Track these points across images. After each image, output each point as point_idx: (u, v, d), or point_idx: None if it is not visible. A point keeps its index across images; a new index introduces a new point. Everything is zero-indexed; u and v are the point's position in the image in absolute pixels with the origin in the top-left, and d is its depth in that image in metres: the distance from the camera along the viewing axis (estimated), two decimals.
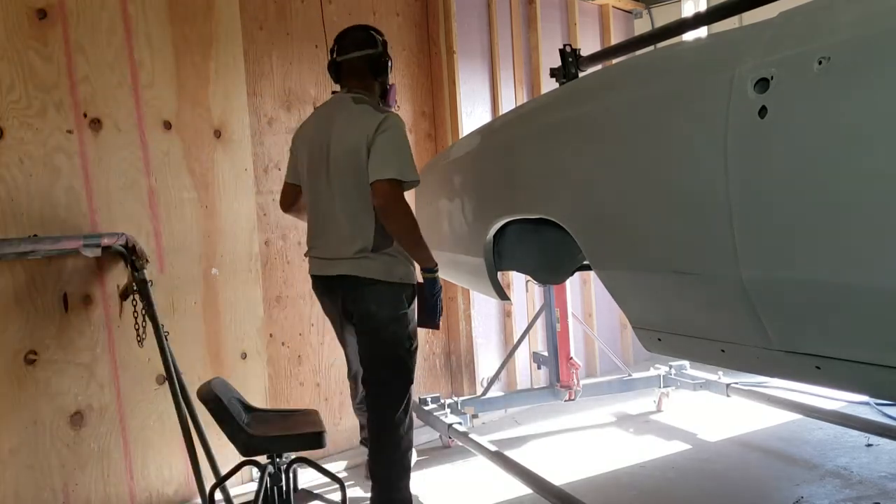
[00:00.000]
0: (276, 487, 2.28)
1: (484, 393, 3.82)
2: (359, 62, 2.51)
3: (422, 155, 3.87)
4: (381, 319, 2.39)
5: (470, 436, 3.16)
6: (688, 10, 4.85)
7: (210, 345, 3.02)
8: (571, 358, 3.72)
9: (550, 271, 2.68)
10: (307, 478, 3.13)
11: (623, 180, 1.66)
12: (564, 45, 3.18)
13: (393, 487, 2.45)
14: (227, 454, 2.73)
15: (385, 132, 2.32)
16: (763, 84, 1.26)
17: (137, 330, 2.62)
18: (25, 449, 2.54)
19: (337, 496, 2.42)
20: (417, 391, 3.89)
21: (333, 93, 2.64)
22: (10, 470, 2.50)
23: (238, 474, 2.57)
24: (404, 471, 2.49)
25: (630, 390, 4.04)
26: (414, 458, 2.71)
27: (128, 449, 2.78)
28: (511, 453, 3.11)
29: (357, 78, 2.52)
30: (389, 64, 2.56)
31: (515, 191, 2.18)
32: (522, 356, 4.34)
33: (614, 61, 3.20)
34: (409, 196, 3.02)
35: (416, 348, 2.47)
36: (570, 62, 3.12)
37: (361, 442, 2.99)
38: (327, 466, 2.82)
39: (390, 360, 2.42)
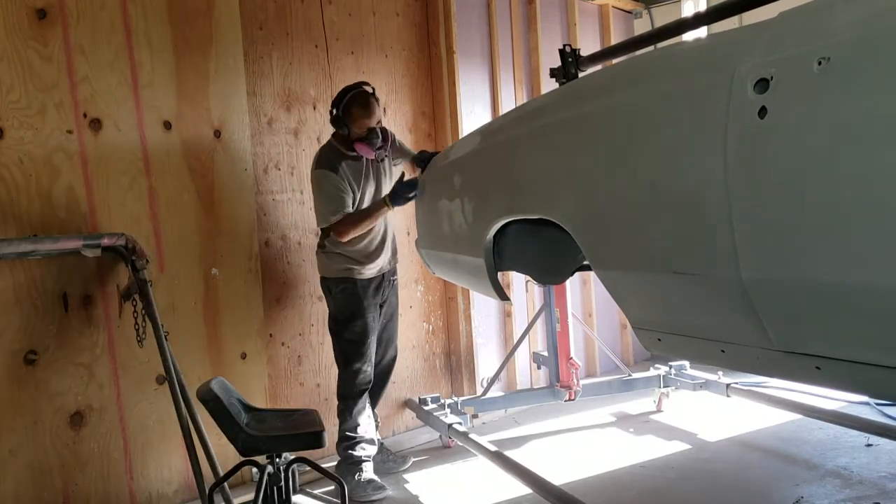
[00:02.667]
0: (275, 487, 2.28)
1: (484, 393, 3.82)
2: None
3: None
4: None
5: (470, 436, 3.16)
6: (688, 10, 4.85)
7: (210, 345, 3.02)
8: (571, 358, 3.72)
9: (550, 272, 2.68)
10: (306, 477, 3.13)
11: (623, 181, 1.66)
12: (564, 46, 3.18)
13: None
14: (227, 454, 2.74)
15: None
16: (763, 84, 1.25)
17: (137, 330, 2.62)
18: (25, 449, 2.54)
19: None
20: (417, 391, 3.89)
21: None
22: (10, 470, 2.50)
23: (238, 474, 2.57)
24: None
25: (630, 390, 4.04)
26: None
27: (128, 449, 2.78)
28: (511, 453, 3.11)
29: None
30: (342, 118, 3.01)
31: (515, 191, 2.18)
32: (522, 356, 4.34)
33: (614, 61, 3.20)
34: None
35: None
36: (570, 62, 3.12)
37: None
38: (327, 466, 2.83)
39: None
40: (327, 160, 3.02)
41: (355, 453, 3.08)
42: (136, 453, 2.80)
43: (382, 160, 3.15)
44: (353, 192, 3.04)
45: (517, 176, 2.18)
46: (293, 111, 3.43)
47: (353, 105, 2.99)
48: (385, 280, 3.20)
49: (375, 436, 3.21)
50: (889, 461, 3.03)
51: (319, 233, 3.16)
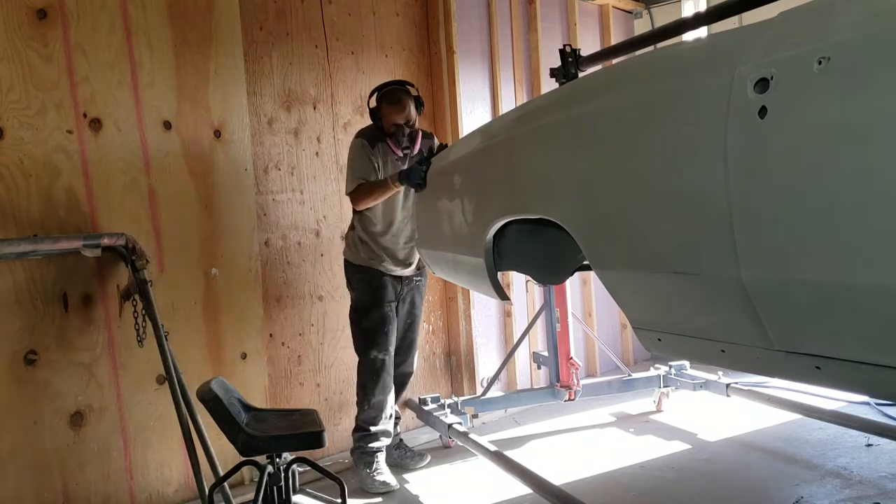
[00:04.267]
0: (275, 487, 2.27)
1: (484, 393, 3.82)
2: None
3: None
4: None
5: (470, 436, 3.16)
6: (688, 10, 4.85)
7: (210, 345, 3.02)
8: (571, 358, 3.72)
9: (550, 271, 2.68)
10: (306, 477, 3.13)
11: (623, 180, 1.66)
12: (564, 46, 3.18)
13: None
14: (227, 454, 2.74)
15: None
16: (763, 84, 1.25)
17: (137, 330, 2.62)
18: (25, 449, 2.54)
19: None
20: (417, 391, 3.89)
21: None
22: (10, 470, 2.50)
23: (238, 474, 2.57)
24: None
25: (630, 390, 4.04)
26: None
27: (128, 449, 2.78)
28: (511, 453, 3.11)
29: None
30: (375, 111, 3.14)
31: (515, 191, 2.18)
32: (522, 356, 4.34)
33: (614, 61, 3.20)
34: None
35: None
36: (570, 62, 3.12)
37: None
38: (327, 466, 2.83)
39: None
40: (369, 133, 3.13)
41: (368, 444, 3.11)
42: (136, 453, 2.80)
43: (409, 160, 3.15)
44: (379, 174, 3.10)
45: (517, 176, 2.18)
46: (293, 111, 3.43)
47: (382, 99, 3.10)
48: (410, 280, 3.26)
49: (391, 427, 3.22)
50: (889, 461, 3.03)
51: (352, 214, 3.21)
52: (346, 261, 3.23)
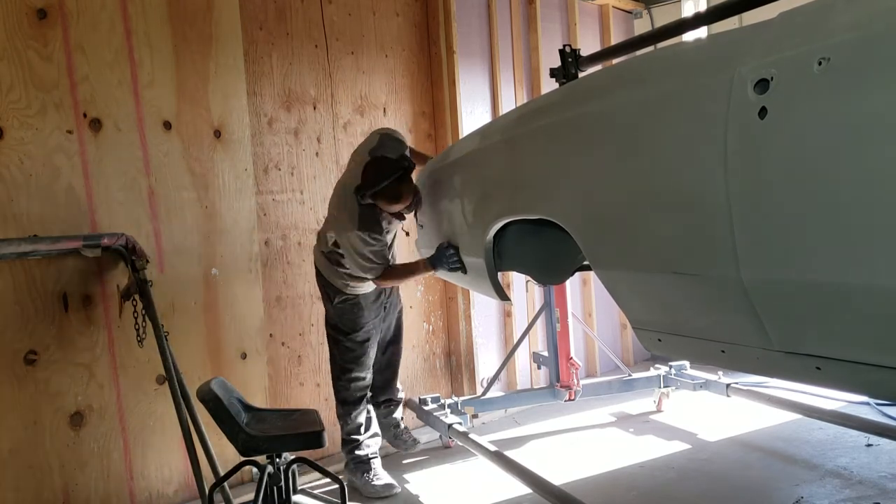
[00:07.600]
0: (275, 487, 2.28)
1: (484, 393, 3.82)
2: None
3: None
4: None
5: (470, 436, 3.16)
6: (688, 10, 4.85)
7: (210, 345, 3.02)
8: (571, 358, 3.72)
9: (550, 272, 2.68)
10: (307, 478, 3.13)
11: (623, 181, 1.66)
12: (564, 46, 3.19)
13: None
14: (227, 454, 2.74)
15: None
16: (763, 84, 1.25)
17: (137, 330, 2.62)
18: (25, 449, 2.54)
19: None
20: (417, 391, 3.89)
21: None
22: (10, 470, 2.50)
23: (238, 474, 2.57)
24: None
25: (630, 390, 4.03)
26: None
27: (128, 449, 2.78)
28: (511, 453, 3.11)
29: None
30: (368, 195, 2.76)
31: (515, 191, 2.18)
32: (522, 356, 4.34)
33: (614, 61, 3.20)
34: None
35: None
36: (570, 62, 3.12)
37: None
38: (327, 466, 2.83)
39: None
40: (373, 220, 2.81)
41: (361, 453, 3.09)
42: (136, 453, 2.80)
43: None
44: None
45: (517, 176, 2.18)
46: (293, 111, 3.43)
47: (380, 198, 2.75)
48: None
49: (377, 428, 3.21)
50: (889, 461, 3.03)
51: (326, 239, 2.98)
52: (325, 279, 3.03)
